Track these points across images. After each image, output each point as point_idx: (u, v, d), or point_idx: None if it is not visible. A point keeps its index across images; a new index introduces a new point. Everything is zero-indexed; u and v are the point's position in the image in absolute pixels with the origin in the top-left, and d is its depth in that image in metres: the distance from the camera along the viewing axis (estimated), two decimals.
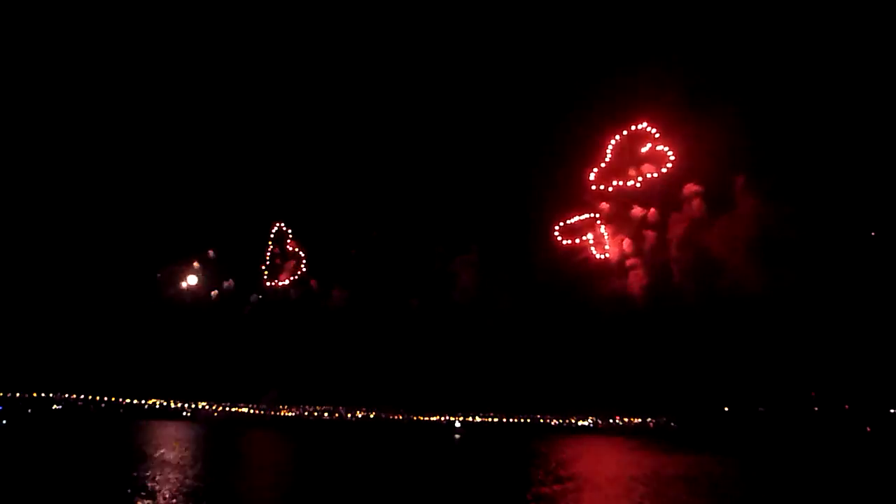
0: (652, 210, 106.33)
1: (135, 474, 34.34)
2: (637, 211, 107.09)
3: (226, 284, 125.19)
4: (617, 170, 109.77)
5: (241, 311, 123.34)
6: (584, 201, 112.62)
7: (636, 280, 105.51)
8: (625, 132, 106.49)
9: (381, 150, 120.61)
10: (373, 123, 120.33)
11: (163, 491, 28.43)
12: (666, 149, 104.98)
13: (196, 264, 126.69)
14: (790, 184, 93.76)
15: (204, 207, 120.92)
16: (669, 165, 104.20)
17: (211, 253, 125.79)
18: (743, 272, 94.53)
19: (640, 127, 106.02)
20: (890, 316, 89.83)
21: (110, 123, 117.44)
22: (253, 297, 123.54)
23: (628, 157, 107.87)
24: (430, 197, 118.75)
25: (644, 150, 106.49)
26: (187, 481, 31.39)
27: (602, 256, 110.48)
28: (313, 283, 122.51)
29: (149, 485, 30.29)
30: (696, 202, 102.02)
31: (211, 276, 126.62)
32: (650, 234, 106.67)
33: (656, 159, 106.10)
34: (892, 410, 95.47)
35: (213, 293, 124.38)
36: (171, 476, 33.05)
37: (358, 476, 39.90)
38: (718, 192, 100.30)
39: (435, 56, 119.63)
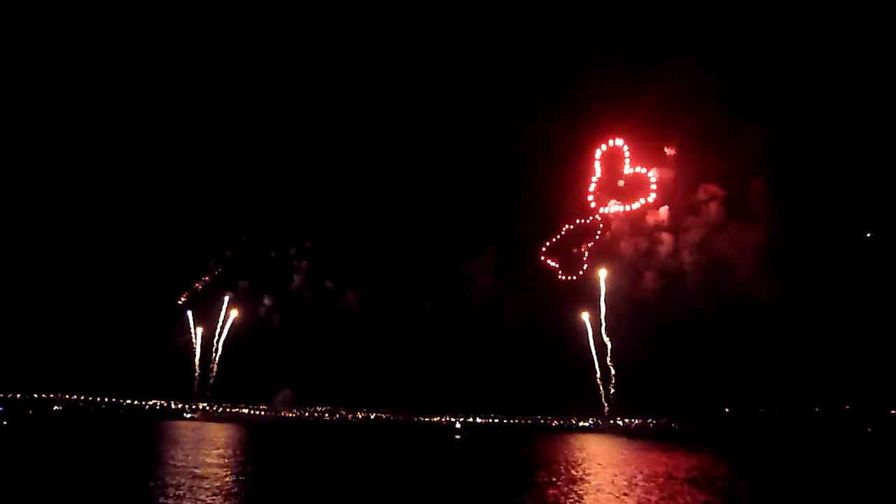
0: (666, 213, 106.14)
1: (137, 475, 34.36)
2: (652, 214, 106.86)
3: (241, 284, 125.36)
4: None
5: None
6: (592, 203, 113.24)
7: (649, 283, 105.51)
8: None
9: (396, 154, 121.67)
10: (389, 129, 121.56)
11: (166, 491, 28.41)
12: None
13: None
14: (801, 189, 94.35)
15: (211, 212, 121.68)
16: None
17: (229, 253, 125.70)
18: (752, 276, 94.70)
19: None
20: (889, 317, 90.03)
21: (121, 131, 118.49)
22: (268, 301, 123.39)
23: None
24: (443, 199, 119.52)
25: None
26: (193, 482, 31.37)
27: (569, 278, 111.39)
28: (328, 283, 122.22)
29: (152, 485, 30.28)
30: (713, 206, 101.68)
31: (225, 277, 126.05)
32: (664, 238, 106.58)
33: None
34: (892, 411, 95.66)
35: (226, 295, 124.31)
36: (174, 476, 33.04)
37: (360, 475, 39.94)
38: (736, 195, 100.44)
39: (452, 64, 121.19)
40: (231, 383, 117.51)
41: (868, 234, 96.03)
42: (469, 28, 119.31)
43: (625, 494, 32.01)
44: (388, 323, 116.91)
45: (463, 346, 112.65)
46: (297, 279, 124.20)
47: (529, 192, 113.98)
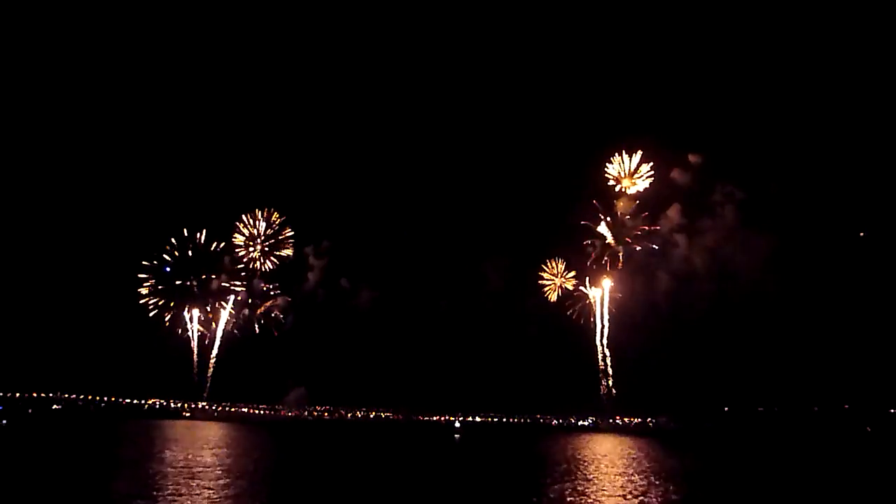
0: (679, 214, 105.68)
1: (138, 474, 34.37)
2: (668, 213, 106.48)
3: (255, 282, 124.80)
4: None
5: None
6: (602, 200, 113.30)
7: (661, 285, 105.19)
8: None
9: (414, 154, 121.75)
10: (407, 130, 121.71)
11: (167, 490, 28.39)
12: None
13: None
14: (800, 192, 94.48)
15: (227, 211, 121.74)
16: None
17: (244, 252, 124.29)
18: (758, 277, 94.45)
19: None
20: (889, 317, 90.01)
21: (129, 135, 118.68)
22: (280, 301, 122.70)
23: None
24: (459, 199, 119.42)
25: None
26: (192, 481, 31.35)
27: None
28: (343, 281, 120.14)
29: (152, 484, 30.27)
30: (728, 208, 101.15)
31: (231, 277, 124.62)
32: (678, 240, 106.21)
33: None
34: (892, 410, 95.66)
35: (241, 296, 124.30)
36: (175, 476, 33.02)
37: (362, 475, 39.93)
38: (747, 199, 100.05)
39: (472, 67, 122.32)
40: (240, 382, 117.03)
41: (861, 234, 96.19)
42: (482, 34, 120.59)
43: (622, 491, 31.97)
44: (402, 322, 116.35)
45: (473, 346, 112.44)
46: (311, 278, 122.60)
47: (544, 194, 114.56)
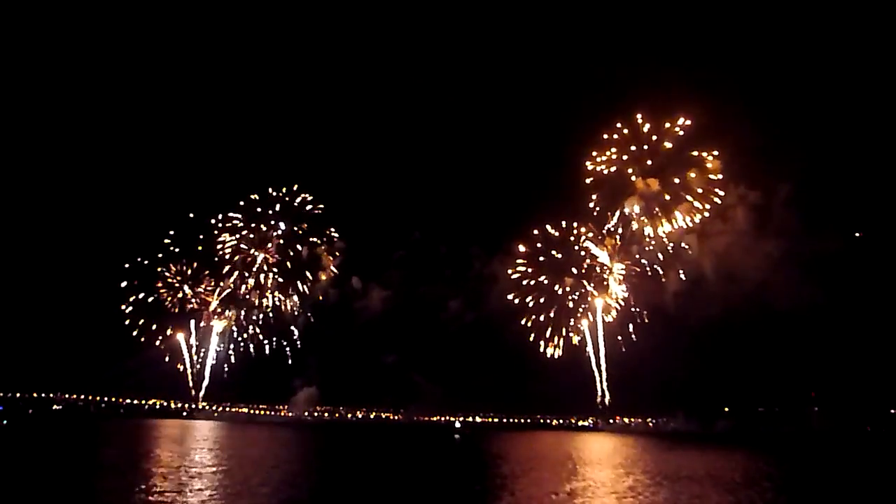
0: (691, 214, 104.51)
1: (138, 474, 34.37)
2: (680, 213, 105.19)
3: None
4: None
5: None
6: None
7: (670, 286, 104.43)
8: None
9: (424, 153, 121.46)
10: (417, 128, 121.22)
11: (166, 491, 28.41)
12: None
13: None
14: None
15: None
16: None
17: (271, 253, 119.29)
18: (769, 281, 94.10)
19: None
20: (889, 318, 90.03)
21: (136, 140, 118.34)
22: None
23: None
24: (469, 200, 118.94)
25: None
26: (191, 481, 31.38)
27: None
28: (355, 280, 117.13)
29: (151, 484, 30.29)
30: (739, 211, 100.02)
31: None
32: (688, 242, 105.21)
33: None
34: (892, 410, 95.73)
35: (249, 295, 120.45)
36: (175, 476, 33.06)
37: (363, 475, 39.98)
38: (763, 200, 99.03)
39: (484, 66, 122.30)
40: (243, 383, 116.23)
41: (857, 234, 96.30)
42: (494, 30, 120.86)
43: (623, 491, 31.96)
44: (412, 322, 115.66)
45: (481, 346, 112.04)
46: (322, 277, 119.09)
47: (556, 192, 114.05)
